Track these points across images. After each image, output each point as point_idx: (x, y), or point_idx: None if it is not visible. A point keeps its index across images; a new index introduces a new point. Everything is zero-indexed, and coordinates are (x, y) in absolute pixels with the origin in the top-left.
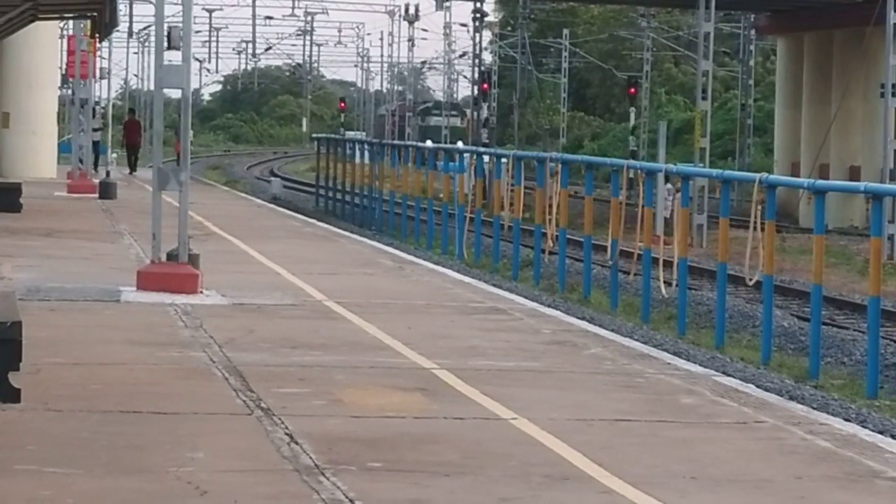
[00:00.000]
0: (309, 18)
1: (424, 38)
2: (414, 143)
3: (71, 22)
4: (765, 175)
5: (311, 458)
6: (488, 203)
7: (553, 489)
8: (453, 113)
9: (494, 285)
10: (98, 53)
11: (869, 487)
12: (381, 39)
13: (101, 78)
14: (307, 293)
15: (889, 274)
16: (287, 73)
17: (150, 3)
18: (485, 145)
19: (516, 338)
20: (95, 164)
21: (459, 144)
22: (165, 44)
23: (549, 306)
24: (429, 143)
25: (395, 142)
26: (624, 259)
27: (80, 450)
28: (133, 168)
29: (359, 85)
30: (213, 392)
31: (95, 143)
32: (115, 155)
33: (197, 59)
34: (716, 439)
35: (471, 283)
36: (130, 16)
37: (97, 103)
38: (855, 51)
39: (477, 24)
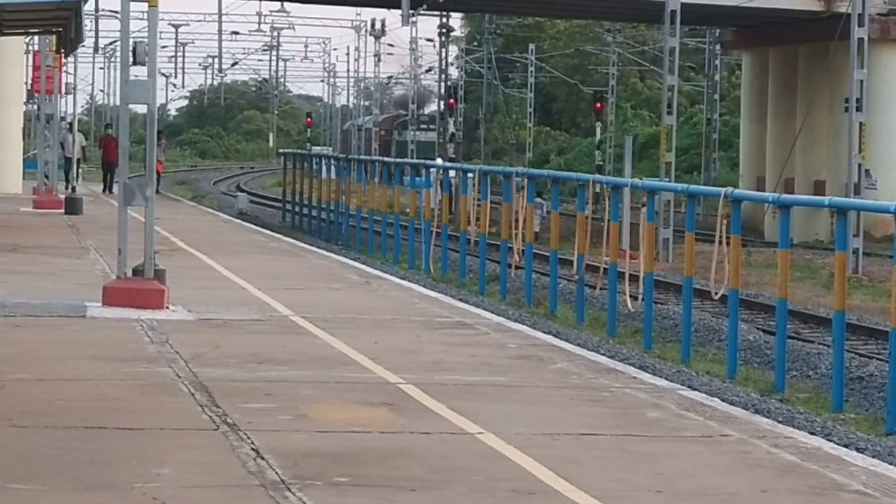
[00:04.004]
0: (275, 34)
1: (391, 54)
2: (380, 157)
3: (36, 37)
4: (730, 189)
5: (277, 473)
6: (455, 218)
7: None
8: (431, 127)
9: (461, 300)
10: (64, 69)
11: (834, 500)
12: (348, 55)
13: (67, 93)
14: (273, 308)
15: (854, 288)
16: (253, 89)
17: (116, 18)
18: (451, 160)
19: (482, 352)
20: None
21: (438, 161)
22: (131, 59)
23: (515, 321)
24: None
25: (363, 157)
26: (590, 273)
27: (45, 466)
28: (109, 187)
29: (325, 100)
30: (179, 407)
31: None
32: (81, 169)
33: (163, 75)
34: (681, 453)
35: (437, 297)
36: (96, 31)
37: (62, 119)
38: (819, 65)
39: (443, 39)
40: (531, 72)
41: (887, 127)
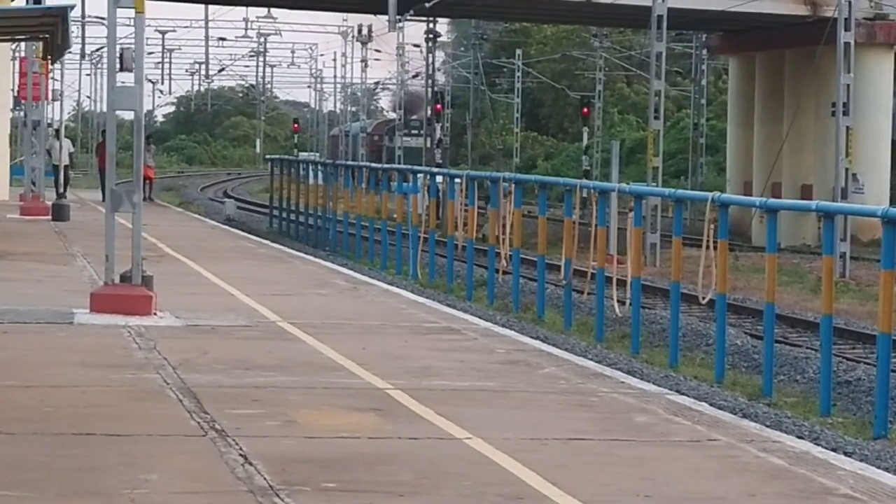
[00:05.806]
0: (262, 39)
1: (377, 59)
2: (367, 163)
3: (23, 44)
4: (717, 194)
5: (265, 479)
6: (442, 223)
7: None
8: (422, 132)
9: (449, 305)
10: (50, 75)
11: None
12: (335, 60)
13: (54, 100)
14: (261, 314)
15: (841, 292)
16: (240, 95)
17: (103, 24)
18: (438, 166)
19: (470, 357)
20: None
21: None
22: (118, 65)
23: (503, 326)
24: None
25: (349, 162)
26: (578, 278)
27: (32, 473)
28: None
29: (312, 106)
30: (167, 414)
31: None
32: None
33: (150, 81)
34: (669, 458)
35: (425, 303)
36: (83, 37)
37: (49, 125)
38: (806, 70)
39: (430, 44)
40: (518, 77)
41: (874, 131)
